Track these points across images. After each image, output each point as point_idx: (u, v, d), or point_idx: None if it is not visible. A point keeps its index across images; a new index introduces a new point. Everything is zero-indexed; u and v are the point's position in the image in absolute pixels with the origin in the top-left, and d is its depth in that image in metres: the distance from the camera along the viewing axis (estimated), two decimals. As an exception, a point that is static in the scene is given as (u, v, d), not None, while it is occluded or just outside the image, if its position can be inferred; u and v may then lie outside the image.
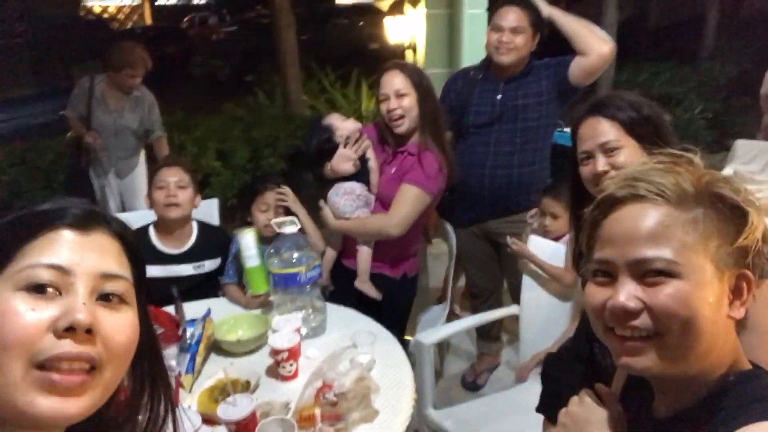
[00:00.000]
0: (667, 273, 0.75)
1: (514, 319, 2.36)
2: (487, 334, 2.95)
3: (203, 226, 2.31)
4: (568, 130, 1.53)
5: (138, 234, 0.81)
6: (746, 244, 0.76)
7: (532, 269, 2.26)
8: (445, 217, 2.69)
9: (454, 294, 3.18)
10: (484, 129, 2.55)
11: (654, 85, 6.41)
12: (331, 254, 2.38)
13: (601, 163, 1.37)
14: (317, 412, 1.41)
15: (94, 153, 3.58)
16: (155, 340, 0.80)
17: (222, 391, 1.52)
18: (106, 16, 17.46)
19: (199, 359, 1.69)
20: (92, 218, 0.71)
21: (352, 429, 1.41)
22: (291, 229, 1.90)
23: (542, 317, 2.22)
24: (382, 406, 1.50)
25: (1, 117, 6.45)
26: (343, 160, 2.24)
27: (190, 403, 1.52)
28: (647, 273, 0.76)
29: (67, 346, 0.63)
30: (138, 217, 2.30)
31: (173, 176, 2.16)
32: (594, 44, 2.36)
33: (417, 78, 2.21)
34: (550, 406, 1.26)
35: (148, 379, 0.78)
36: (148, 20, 19.60)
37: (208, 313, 1.84)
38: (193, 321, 1.80)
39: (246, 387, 1.58)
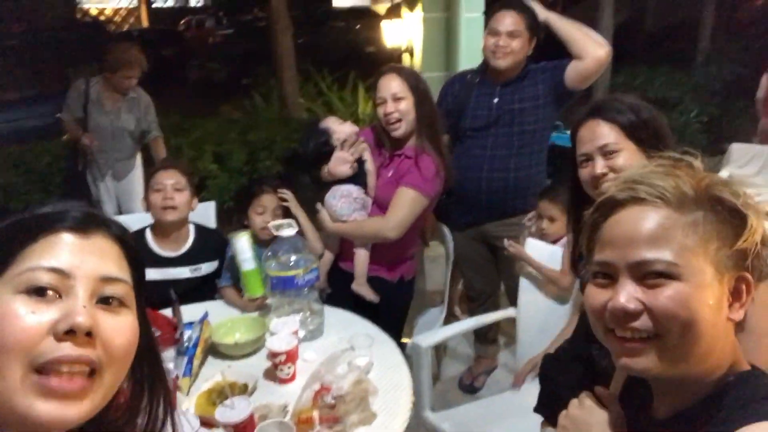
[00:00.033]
0: (667, 275, 0.76)
1: (511, 321, 2.37)
2: (484, 336, 2.95)
3: (200, 229, 2.30)
4: (569, 132, 1.53)
5: (135, 237, 0.81)
6: (745, 247, 0.77)
7: (529, 272, 2.27)
8: (442, 220, 2.69)
9: (455, 297, 3.18)
10: (481, 132, 2.56)
11: (650, 89, 6.43)
12: (328, 257, 2.38)
13: (600, 165, 1.38)
14: (315, 414, 1.41)
15: (91, 155, 3.57)
16: (154, 343, 0.80)
17: (220, 394, 1.51)
18: (102, 18, 17.42)
19: (196, 362, 1.69)
20: (92, 221, 0.71)
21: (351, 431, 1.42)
22: (289, 231, 1.90)
23: (539, 320, 2.22)
24: (380, 408, 1.50)
25: (-2, 119, 6.43)
26: (339, 163, 2.25)
27: (187, 406, 1.52)
28: (647, 275, 0.77)
29: (67, 349, 0.63)
30: (135, 220, 2.31)
31: (170, 179, 2.16)
32: (590, 48, 2.37)
33: (414, 81, 2.22)
34: (547, 406, 1.26)
35: (148, 382, 0.78)
36: (145, 23, 19.58)
37: (206, 316, 1.84)
38: (190, 324, 1.79)
39: (244, 390, 1.58)
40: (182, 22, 18.10)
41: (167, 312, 1.85)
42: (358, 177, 2.27)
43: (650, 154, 0.89)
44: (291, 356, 1.64)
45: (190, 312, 1.88)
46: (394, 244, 2.23)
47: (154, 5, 21.23)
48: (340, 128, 2.28)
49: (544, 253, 2.24)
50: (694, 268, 0.75)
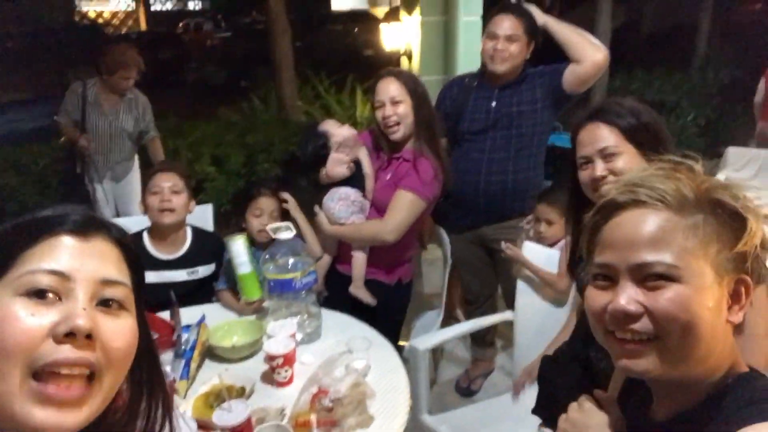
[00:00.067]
0: (667, 277, 0.76)
1: (509, 324, 2.37)
2: (481, 339, 2.95)
3: (197, 232, 2.30)
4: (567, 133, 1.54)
5: (132, 240, 0.82)
6: (745, 250, 0.77)
7: (526, 275, 2.27)
8: (439, 222, 2.69)
9: (456, 299, 3.18)
10: (479, 136, 2.56)
11: (647, 92, 6.45)
12: (325, 260, 2.38)
13: (599, 168, 1.39)
14: (313, 418, 1.41)
15: (89, 157, 3.57)
16: (153, 346, 0.80)
17: (217, 397, 1.51)
18: (101, 21, 17.46)
19: (193, 365, 1.68)
20: (92, 224, 0.72)
21: (348, 435, 1.41)
22: (286, 234, 1.90)
23: (537, 323, 2.22)
24: (377, 411, 1.50)
25: (-3, 121, 6.42)
26: (336, 164, 2.25)
27: (184, 409, 1.52)
28: (648, 277, 0.77)
29: (67, 351, 0.63)
30: (132, 223, 2.30)
31: (167, 181, 2.16)
32: (588, 52, 2.38)
33: (412, 85, 2.22)
34: (546, 408, 1.26)
35: (146, 385, 0.78)
36: (143, 26, 19.60)
37: (203, 319, 1.84)
38: (187, 327, 1.79)
39: (241, 393, 1.57)
40: (180, 25, 18.11)
41: (164, 315, 1.86)
42: (356, 180, 2.28)
43: (650, 157, 0.90)
44: (288, 359, 1.64)
45: (188, 315, 1.87)
46: (391, 247, 2.23)
47: (152, 8, 21.24)
48: (338, 131, 2.29)
49: (542, 256, 2.24)
50: (694, 270, 0.76)
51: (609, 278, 0.82)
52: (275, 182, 2.49)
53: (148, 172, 2.33)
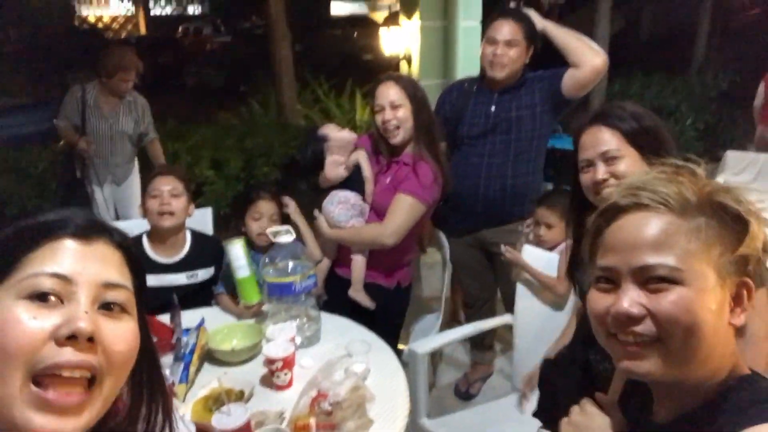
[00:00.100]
0: (670, 280, 0.76)
1: (508, 328, 2.37)
2: (480, 343, 2.95)
3: (197, 236, 2.30)
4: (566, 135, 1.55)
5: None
6: (747, 253, 0.78)
7: (525, 278, 2.27)
8: (439, 226, 2.69)
9: (459, 303, 3.18)
10: (479, 140, 2.56)
11: (645, 97, 6.46)
12: (325, 263, 2.38)
13: (601, 171, 1.39)
14: (312, 421, 1.40)
15: (89, 160, 3.57)
16: (154, 349, 0.80)
17: (216, 401, 1.51)
18: (100, 25, 17.47)
19: (192, 369, 1.68)
20: (94, 228, 0.72)
21: (348, 439, 1.41)
22: (286, 238, 1.90)
23: (536, 326, 2.22)
24: (377, 415, 1.49)
25: (-4, 125, 6.42)
26: (333, 166, 2.26)
27: (184, 412, 1.51)
28: (650, 279, 0.77)
29: (69, 354, 0.63)
30: (132, 226, 2.30)
31: (167, 185, 2.16)
32: (587, 57, 2.38)
33: (412, 89, 2.22)
34: (547, 411, 1.26)
35: (147, 388, 0.78)
36: (143, 30, 19.63)
37: (202, 322, 1.84)
38: (187, 330, 1.79)
39: (240, 396, 1.57)
40: (180, 29, 18.13)
41: (164, 318, 1.85)
42: (355, 183, 2.28)
43: (652, 160, 0.90)
44: (288, 363, 1.64)
45: (187, 318, 1.87)
46: (391, 251, 2.23)
47: (151, 13, 21.28)
48: (338, 135, 2.29)
49: (541, 259, 2.24)
50: (696, 273, 0.76)
51: (611, 281, 0.82)
52: (275, 186, 2.49)
53: (148, 175, 2.34)
